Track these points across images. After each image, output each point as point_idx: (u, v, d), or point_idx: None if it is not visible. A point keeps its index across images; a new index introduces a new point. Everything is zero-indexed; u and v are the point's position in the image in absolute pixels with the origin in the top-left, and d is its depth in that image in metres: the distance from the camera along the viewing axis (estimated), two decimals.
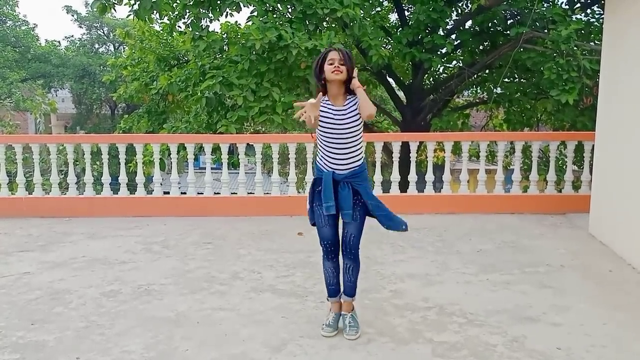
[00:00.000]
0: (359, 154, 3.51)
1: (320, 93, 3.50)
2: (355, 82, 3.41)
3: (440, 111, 12.47)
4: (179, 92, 10.13)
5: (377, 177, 7.43)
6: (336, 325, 3.70)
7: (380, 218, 3.54)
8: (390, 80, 13.33)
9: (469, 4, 12.18)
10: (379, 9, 12.34)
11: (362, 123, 3.49)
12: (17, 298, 4.38)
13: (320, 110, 3.42)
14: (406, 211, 7.18)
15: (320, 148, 3.51)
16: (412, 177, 7.43)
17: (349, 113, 3.43)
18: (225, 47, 9.60)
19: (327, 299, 3.80)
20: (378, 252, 5.48)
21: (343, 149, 3.44)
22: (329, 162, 3.48)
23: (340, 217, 3.57)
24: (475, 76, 11.94)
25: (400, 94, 13.75)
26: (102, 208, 7.29)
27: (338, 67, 3.36)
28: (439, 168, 11.88)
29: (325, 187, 3.45)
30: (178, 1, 8.74)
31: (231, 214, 7.21)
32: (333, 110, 3.44)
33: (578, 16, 10.47)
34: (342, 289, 3.73)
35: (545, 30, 9.61)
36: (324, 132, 3.43)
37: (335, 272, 3.67)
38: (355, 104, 3.44)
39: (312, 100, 3.36)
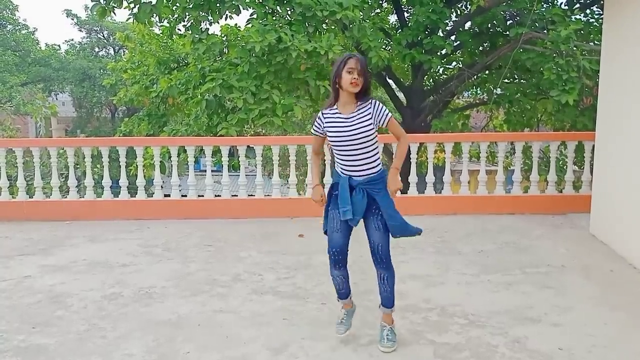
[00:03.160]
0: (374, 161, 3.39)
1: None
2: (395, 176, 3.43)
3: (440, 112, 12.48)
4: (179, 95, 10.15)
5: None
6: (349, 323, 3.63)
7: (393, 228, 3.40)
8: (390, 81, 13.34)
9: (468, 5, 12.18)
10: (378, 10, 12.37)
11: (375, 130, 3.38)
12: (18, 302, 4.39)
13: (329, 121, 3.38)
14: (407, 212, 7.17)
15: (336, 154, 3.45)
16: (413, 178, 7.43)
17: (358, 121, 3.32)
18: (225, 50, 9.61)
19: (338, 300, 3.70)
20: None
21: (355, 157, 3.35)
22: (343, 168, 3.42)
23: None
24: (475, 77, 11.94)
25: (400, 95, 13.75)
26: (103, 211, 7.29)
27: (356, 79, 3.26)
28: (439, 169, 11.88)
29: (341, 191, 3.38)
30: (177, 4, 8.75)
31: (232, 216, 7.21)
32: (341, 118, 3.35)
33: (577, 16, 10.47)
34: (350, 292, 3.63)
35: (545, 31, 9.62)
36: (334, 141, 3.37)
37: (345, 279, 3.55)
38: (366, 112, 3.34)
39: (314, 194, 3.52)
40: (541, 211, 7.18)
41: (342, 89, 3.33)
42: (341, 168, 3.43)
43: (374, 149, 3.39)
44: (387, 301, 3.56)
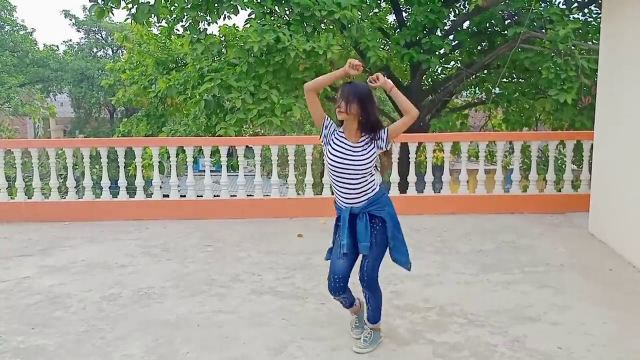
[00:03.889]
0: (372, 186, 3.39)
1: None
2: (388, 83, 3.29)
3: (439, 112, 12.47)
4: (177, 95, 10.14)
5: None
6: (362, 325, 3.62)
7: (392, 251, 3.41)
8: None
9: (466, 5, 12.18)
10: (376, 10, 12.36)
11: (375, 161, 3.36)
12: (17, 303, 4.38)
13: (334, 143, 3.34)
14: (406, 212, 7.20)
15: (333, 184, 3.42)
16: (412, 177, 7.43)
17: (362, 151, 3.30)
18: (224, 50, 9.61)
19: (346, 307, 3.65)
20: None
21: (354, 185, 3.33)
22: (343, 199, 3.38)
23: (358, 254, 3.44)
24: (473, 76, 11.95)
25: None
26: (102, 212, 7.28)
27: (339, 107, 3.24)
28: (438, 168, 11.90)
29: (342, 224, 3.36)
30: (176, 4, 8.74)
31: (231, 217, 7.21)
32: (347, 144, 3.32)
33: (575, 16, 10.48)
34: (355, 299, 3.60)
35: (543, 30, 9.62)
36: (335, 166, 3.32)
37: (348, 296, 3.50)
38: (368, 144, 3.32)
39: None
40: (540, 210, 7.19)
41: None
42: (341, 199, 3.40)
43: (372, 178, 3.39)
44: (370, 318, 3.54)
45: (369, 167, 3.32)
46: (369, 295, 3.47)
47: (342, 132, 3.37)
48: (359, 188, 3.34)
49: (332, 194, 3.55)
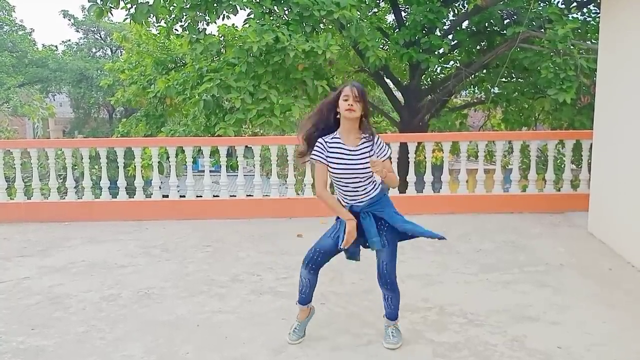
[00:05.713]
0: (374, 185, 3.42)
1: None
2: (387, 166, 3.32)
3: (438, 111, 12.49)
4: (176, 95, 10.15)
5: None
6: (302, 332, 3.64)
7: (414, 232, 3.43)
8: (388, 81, 13.35)
9: (465, 4, 12.19)
10: (375, 10, 12.37)
11: None
12: (17, 303, 4.38)
13: (333, 151, 3.33)
14: (405, 212, 7.20)
15: (335, 186, 3.44)
16: (411, 177, 7.43)
17: (363, 154, 3.33)
18: (223, 50, 9.60)
19: (296, 304, 3.67)
20: None
21: (358, 187, 3.36)
22: (345, 198, 3.42)
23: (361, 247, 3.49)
24: (472, 76, 11.96)
25: (398, 94, 13.76)
26: (101, 212, 7.28)
27: (352, 105, 3.25)
28: (437, 168, 11.89)
29: (341, 222, 3.39)
30: (175, 4, 8.74)
31: (230, 217, 7.21)
32: (346, 150, 3.32)
33: (574, 15, 10.50)
34: (311, 301, 3.66)
35: (542, 30, 9.63)
36: (338, 173, 3.33)
37: (311, 283, 3.56)
38: (368, 146, 3.34)
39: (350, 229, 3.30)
40: (539, 210, 7.19)
41: (342, 117, 3.34)
42: (343, 197, 3.43)
43: (373, 178, 3.41)
44: (391, 315, 3.59)
45: (370, 170, 3.32)
46: (391, 296, 3.51)
47: (338, 138, 3.36)
48: (361, 188, 3.37)
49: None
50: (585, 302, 4.23)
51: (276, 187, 7.61)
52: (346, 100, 3.28)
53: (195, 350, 3.52)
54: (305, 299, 3.63)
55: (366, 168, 3.30)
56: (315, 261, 3.49)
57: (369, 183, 3.38)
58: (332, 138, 3.37)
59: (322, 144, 3.36)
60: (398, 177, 3.41)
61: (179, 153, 8.29)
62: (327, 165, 3.35)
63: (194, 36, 8.99)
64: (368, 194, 3.39)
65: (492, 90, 11.98)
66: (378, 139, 3.40)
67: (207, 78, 8.82)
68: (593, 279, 4.76)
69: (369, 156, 3.32)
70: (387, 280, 3.45)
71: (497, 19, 10.98)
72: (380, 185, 3.47)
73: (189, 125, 10.84)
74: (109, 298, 4.45)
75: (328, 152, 3.34)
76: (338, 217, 3.47)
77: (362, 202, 3.39)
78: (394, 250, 3.44)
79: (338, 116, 3.37)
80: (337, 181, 3.39)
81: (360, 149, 3.33)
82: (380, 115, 15.91)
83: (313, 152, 3.37)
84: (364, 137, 3.36)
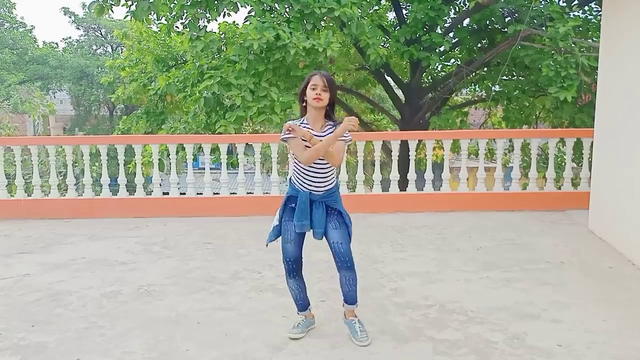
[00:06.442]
0: (332, 176, 3.53)
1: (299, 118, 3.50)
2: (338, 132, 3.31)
3: (438, 109, 12.47)
4: (177, 92, 10.13)
5: (377, 176, 7.43)
6: (305, 330, 3.68)
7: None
8: (389, 78, 13.33)
9: (466, 2, 12.17)
10: (376, 7, 12.34)
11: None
12: (18, 300, 4.38)
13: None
14: (406, 209, 7.23)
15: (297, 170, 3.46)
16: (412, 175, 7.43)
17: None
18: (223, 47, 9.60)
19: (298, 313, 3.74)
20: (378, 250, 5.48)
21: (321, 173, 3.43)
22: (305, 184, 3.45)
23: (310, 236, 3.55)
24: (473, 74, 11.95)
25: (399, 92, 13.76)
26: (102, 209, 7.28)
27: (319, 95, 3.32)
28: (438, 166, 11.89)
29: (301, 206, 3.42)
30: (175, 2, 8.73)
31: (231, 214, 7.21)
32: (316, 136, 3.38)
33: (576, 13, 10.47)
34: (309, 304, 3.73)
35: (543, 28, 9.61)
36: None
37: (301, 288, 3.65)
38: (333, 132, 3.40)
39: (296, 128, 3.33)
40: (540, 208, 7.19)
41: (308, 106, 3.40)
42: (303, 183, 3.46)
43: (333, 168, 3.50)
44: (352, 299, 3.61)
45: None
46: (351, 277, 3.54)
47: (307, 124, 3.43)
48: (325, 176, 3.45)
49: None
50: (586, 299, 4.23)
51: (277, 184, 7.60)
52: (314, 89, 3.34)
53: (196, 347, 3.52)
54: (303, 304, 3.71)
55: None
56: (293, 269, 3.60)
57: (331, 173, 3.47)
58: (301, 123, 3.43)
59: (293, 125, 3.40)
60: (340, 159, 3.44)
61: (179, 150, 8.28)
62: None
63: (195, 33, 8.98)
64: (328, 182, 3.46)
65: (492, 88, 11.97)
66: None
67: (208, 75, 8.81)
68: (593, 277, 4.76)
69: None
70: (345, 259, 3.48)
71: (498, 17, 10.96)
72: (335, 180, 3.55)
73: (190, 123, 10.83)
74: (110, 295, 4.45)
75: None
76: (285, 206, 3.52)
77: (319, 190, 3.44)
78: (345, 231, 3.49)
79: (304, 104, 3.43)
80: (302, 166, 3.42)
81: (327, 134, 3.39)
82: (380, 113, 15.90)
83: (283, 132, 3.40)
84: (329, 125, 3.45)
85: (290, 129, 3.32)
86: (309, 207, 3.44)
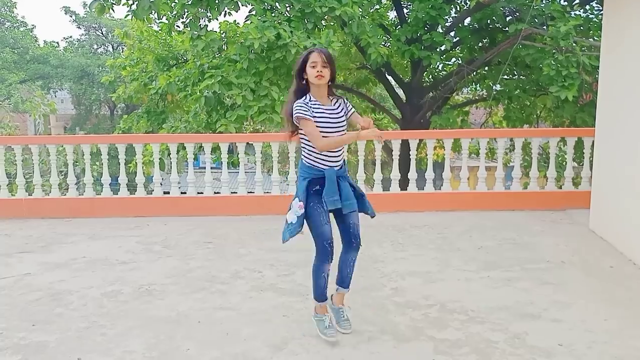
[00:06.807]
0: (344, 151, 3.61)
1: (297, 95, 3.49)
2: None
3: (439, 109, 12.47)
4: (178, 91, 10.13)
5: (377, 176, 7.42)
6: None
7: (361, 205, 3.60)
8: (390, 78, 13.33)
9: (467, 1, 12.16)
10: (377, 6, 12.33)
11: None
12: (18, 299, 4.38)
13: (317, 110, 3.38)
14: (406, 209, 7.22)
15: (312, 151, 3.43)
16: (412, 174, 7.42)
17: (341, 112, 3.48)
18: (224, 47, 9.60)
19: (320, 304, 3.64)
20: (379, 250, 5.48)
21: (337, 149, 3.47)
22: (325, 161, 3.43)
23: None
24: (474, 73, 11.95)
25: (400, 91, 13.75)
26: (103, 208, 7.28)
27: (320, 71, 3.33)
28: (439, 165, 11.91)
29: (330, 182, 3.41)
30: (176, 1, 8.74)
31: (231, 213, 7.20)
32: (327, 110, 3.41)
33: (577, 12, 10.46)
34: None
35: (544, 27, 9.60)
36: (325, 132, 3.37)
37: (327, 275, 3.60)
38: (341, 105, 3.51)
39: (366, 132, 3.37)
40: (541, 207, 7.18)
41: (311, 84, 3.41)
42: (322, 161, 3.44)
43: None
44: (349, 282, 3.65)
45: (346, 127, 3.49)
46: (354, 259, 3.59)
47: (316, 100, 3.42)
48: (341, 149, 3.52)
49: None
50: (587, 299, 4.22)
51: (277, 183, 7.60)
52: (314, 67, 3.35)
53: (196, 347, 3.52)
54: (325, 294, 3.65)
55: (344, 125, 3.46)
56: (332, 252, 3.51)
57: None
58: (310, 100, 3.42)
59: (304, 103, 3.38)
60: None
61: (180, 150, 8.29)
62: (307, 118, 3.34)
63: (196, 33, 8.99)
64: (343, 155, 3.56)
65: (493, 87, 11.96)
66: (346, 99, 3.60)
67: (209, 75, 8.81)
68: (594, 276, 4.76)
69: (345, 114, 3.50)
70: (358, 240, 3.54)
71: (499, 16, 10.96)
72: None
73: (190, 122, 10.84)
74: (110, 294, 4.45)
75: (313, 111, 3.37)
76: (308, 190, 3.44)
77: (338, 165, 3.48)
78: (357, 212, 3.57)
79: (304, 82, 3.43)
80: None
81: (338, 108, 3.48)
82: (381, 112, 15.90)
83: (297, 111, 3.34)
84: (339, 100, 3.53)
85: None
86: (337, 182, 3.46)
